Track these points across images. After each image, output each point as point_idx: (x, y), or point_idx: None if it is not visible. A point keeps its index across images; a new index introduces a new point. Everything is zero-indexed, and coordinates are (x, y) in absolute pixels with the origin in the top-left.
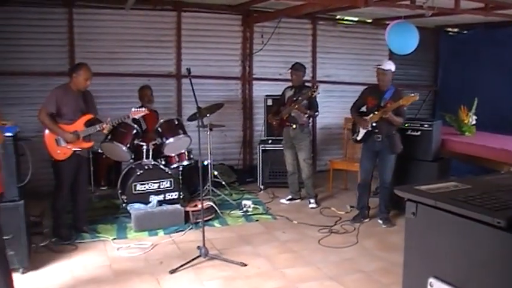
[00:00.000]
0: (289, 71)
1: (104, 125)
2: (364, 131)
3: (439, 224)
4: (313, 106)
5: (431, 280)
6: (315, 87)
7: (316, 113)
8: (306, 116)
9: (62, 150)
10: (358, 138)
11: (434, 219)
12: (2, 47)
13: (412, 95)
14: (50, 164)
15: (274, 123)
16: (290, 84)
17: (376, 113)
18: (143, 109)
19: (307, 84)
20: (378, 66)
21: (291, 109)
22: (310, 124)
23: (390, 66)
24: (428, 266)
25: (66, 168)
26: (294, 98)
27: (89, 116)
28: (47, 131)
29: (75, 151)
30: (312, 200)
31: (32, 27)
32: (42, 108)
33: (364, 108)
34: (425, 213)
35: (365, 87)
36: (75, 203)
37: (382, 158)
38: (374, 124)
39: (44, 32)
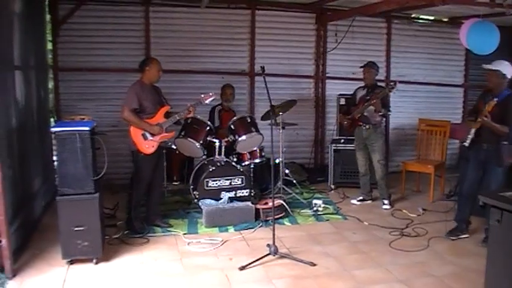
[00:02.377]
0: (362, 69)
1: (190, 108)
2: (470, 137)
3: None
4: (386, 105)
5: None
6: (394, 83)
7: (389, 112)
8: (380, 114)
9: (149, 144)
10: (466, 144)
11: None
12: (81, 44)
13: None
14: (124, 159)
15: (345, 123)
16: (363, 83)
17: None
18: (211, 93)
19: (379, 84)
20: (485, 66)
21: (364, 108)
22: (383, 124)
23: (500, 66)
24: None
25: (148, 162)
26: (367, 97)
27: (166, 108)
28: (131, 128)
29: (160, 143)
30: (386, 201)
31: (110, 24)
32: (124, 107)
33: None
34: (510, 220)
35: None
36: (149, 196)
37: (487, 170)
38: (475, 131)
39: (121, 29)
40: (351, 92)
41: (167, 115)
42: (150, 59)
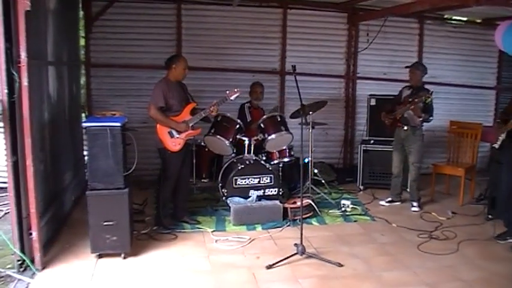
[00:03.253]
0: (409, 70)
1: (212, 108)
2: (501, 139)
3: None
4: (428, 110)
5: None
6: (430, 93)
7: (431, 118)
8: (420, 119)
9: (176, 142)
10: (496, 146)
11: None
12: (113, 40)
13: None
14: (153, 155)
15: (386, 121)
16: (398, 84)
17: None
18: (236, 89)
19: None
20: None
21: (405, 109)
22: (423, 127)
23: None
24: None
25: (176, 160)
26: (410, 99)
27: (192, 105)
28: (158, 126)
29: (186, 140)
30: (415, 203)
31: (142, 22)
32: (151, 105)
33: None
34: None
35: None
36: (177, 193)
37: None
38: (507, 133)
39: (153, 26)
40: (382, 93)
41: (193, 112)
42: (177, 56)
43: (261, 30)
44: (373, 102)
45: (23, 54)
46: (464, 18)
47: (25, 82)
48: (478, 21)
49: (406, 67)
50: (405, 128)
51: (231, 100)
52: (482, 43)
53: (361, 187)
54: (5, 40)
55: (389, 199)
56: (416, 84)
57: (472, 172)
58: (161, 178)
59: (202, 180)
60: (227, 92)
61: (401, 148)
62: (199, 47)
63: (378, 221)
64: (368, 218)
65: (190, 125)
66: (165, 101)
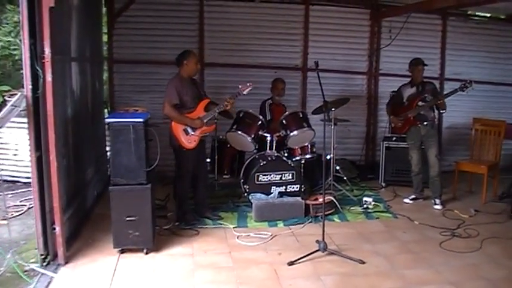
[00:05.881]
0: (412, 67)
1: (226, 103)
2: None
3: None
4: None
5: None
6: (470, 83)
7: (444, 111)
8: (444, 111)
9: (191, 139)
10: None
11: None
12: (136, 36)
13: None
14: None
15: (399, 124)
16: (405, 82)
17: None
18: (248, 84)
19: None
20: None
21: (423, 107)
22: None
23: None
24: None
25: (191, 157)
26: (425, 95)
27: (206, 101)
28: (173, 124)
29: (201, 137)
30: (438, 201)
31: (164, 18)
32: (165, 102)
33: None
34: None
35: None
36: (196, 190)
37: None
38: None
39: (176, 22)
40: None
41: (207, 108)
42: (187, 52)
43: (283, 27)
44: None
45: (47, 50)
46: (488, 15)
47: (49, 78)
48: (502, 17)
49: (410, 65)
50: (425, 123)
51: (244, 94)
52: (506, 39)
53: (383, 184)
54: (30, 36)
55: (413, 196)
56: (420, 80)
57: (495, 170)
58: (176, 176)
59: (224, 176)
60: (239, 86)
61: (419, 146)
62: (221, 43)
63: (400, 218)
64: (390, 215)
65: (205, 121)
66: (179, 98)
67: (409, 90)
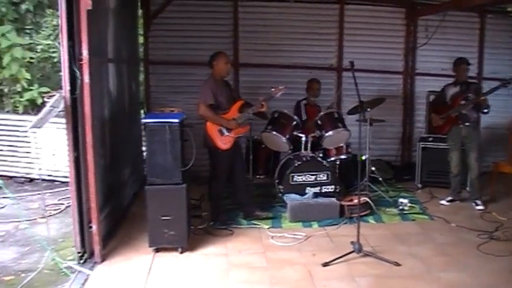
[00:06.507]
0: (456, 67)
1: (260, 105)
2: None
3: None
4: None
5: None
6: (511, 78)
7: (487, 111)
8: (484, 112)
9: (226, 140)
10: None
11: None
12: (172, 38)
13: None
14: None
15: (440, 123)
16: (453, 80)
17: None
18: (281, 87)
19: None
20: None
21: (465, 106)
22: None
23: None
24: None
25: (225, 158)
26: (469, 94)
27: (240, 102)
28: (208, 124)
29: (236, 138)
30: (479, 202)
31: (200, 19)
32: (200, 103)
33: None
34: None
35: None
36: (237, 191)
37: None
38: None
39: (211, 24)
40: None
41: (241, 109)
42: (216, 53)
43: (317, 26)
44: (432, 98)
45: (85, 52)
46: None
47: (86, 79)
48: None
49: (454, 64)
50: (466, 124)
51: (277, 97)
52: None
53: (419, 185)
54: (68, 38)
55: (450, 198)
56: (465, 79)
57: None
58: (211, 176)
59: (259, 177)
60: (272, 89)
61: (460, 147)
62: (256, 44)
63: (436, 220)
64: (426, 217)
65: (239, 122)
66: (215, 99)
67: (453, 89)
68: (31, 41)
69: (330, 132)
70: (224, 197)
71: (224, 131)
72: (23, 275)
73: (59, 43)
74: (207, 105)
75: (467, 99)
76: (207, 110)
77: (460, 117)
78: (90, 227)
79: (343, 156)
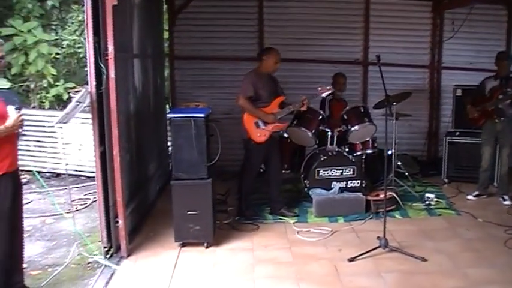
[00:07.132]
0: (497, 61)
1: (302, 103)
2: None
3: None
4: None
5: None
6: None
7: None
8: None
9: (261, 133)
10: None
11: None
12: (196, 33)
13: None
14: (236, 146)
15: (476, 115)
16: (485, 74)
17: None
18: (328, 87)
19: None
20: None
21: (501, 101)
22: None
23: None
24: None
25: (259, 151)
26: (506, 90)
27: (281, 98)
28: (245, 115)
29: (272, 133)
30: (506, 197)
31: (224, 14)
32: (240, 94)
33: None
34: None
35: None
36: (269, 186)
37: None
38: None
39: (236, 18)
40: (469, 83)
41: (282, 105)
42: (269, 49)
43: (343, 20)
44: (459, 92)
45: (110, 47)
46: None
47: (112, 74)
48: None
49: (496, 59)
50: (502, 119)
51: (322, 97)
52: None
53: (446, 180)
54: (94, 34)
55: (477, 193)
56: (505, 74)
57: None
58: (243, 169)
59: (284, 171)
60: (318, 88)
61: (493, 142)
62: (281, 38)
63: (463, 215)
64: (453, 212)
65: (278, 117)
66: (255, 91)
67: (493, 82)
68: (57, 37)
69: (356, 127)
70: (252, 192)
71: (260, 123)
72: (49, 269)
73: (84, 39)
74: (246, 96)
75: (506, 93)
76: (246, 102)
77: (496, 112)
78: (117, 222)
79: (369, 151)
